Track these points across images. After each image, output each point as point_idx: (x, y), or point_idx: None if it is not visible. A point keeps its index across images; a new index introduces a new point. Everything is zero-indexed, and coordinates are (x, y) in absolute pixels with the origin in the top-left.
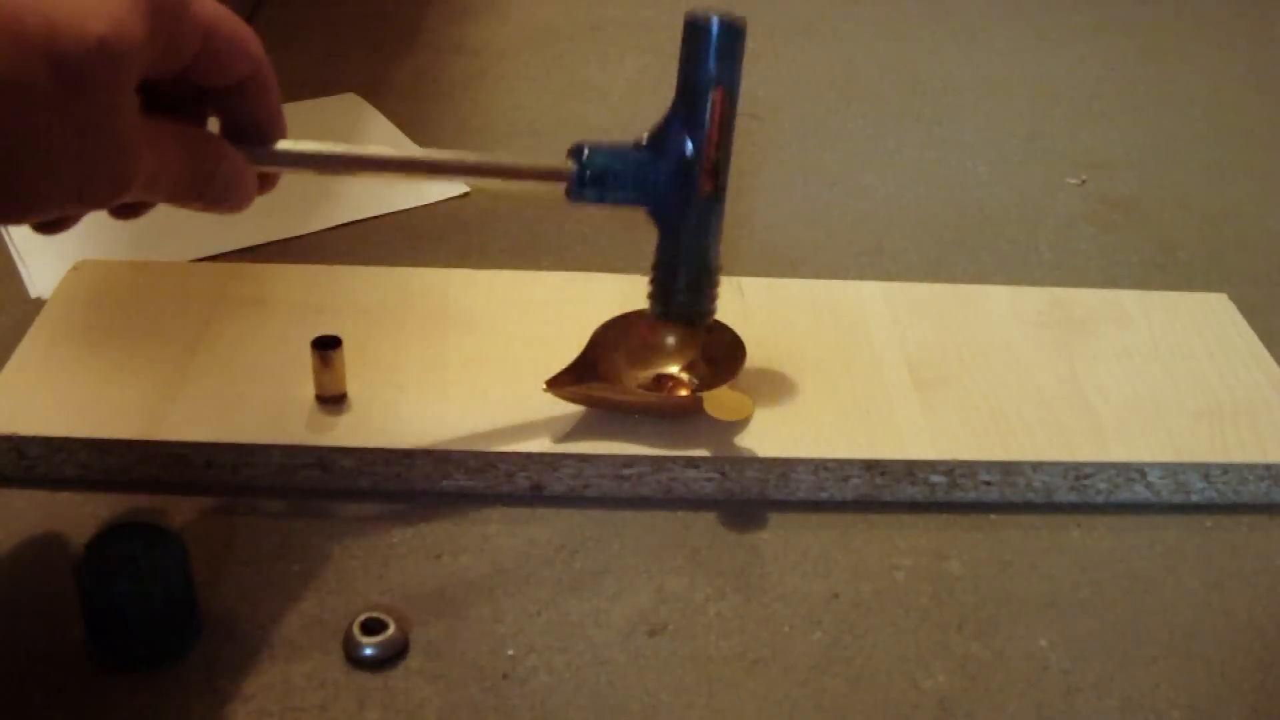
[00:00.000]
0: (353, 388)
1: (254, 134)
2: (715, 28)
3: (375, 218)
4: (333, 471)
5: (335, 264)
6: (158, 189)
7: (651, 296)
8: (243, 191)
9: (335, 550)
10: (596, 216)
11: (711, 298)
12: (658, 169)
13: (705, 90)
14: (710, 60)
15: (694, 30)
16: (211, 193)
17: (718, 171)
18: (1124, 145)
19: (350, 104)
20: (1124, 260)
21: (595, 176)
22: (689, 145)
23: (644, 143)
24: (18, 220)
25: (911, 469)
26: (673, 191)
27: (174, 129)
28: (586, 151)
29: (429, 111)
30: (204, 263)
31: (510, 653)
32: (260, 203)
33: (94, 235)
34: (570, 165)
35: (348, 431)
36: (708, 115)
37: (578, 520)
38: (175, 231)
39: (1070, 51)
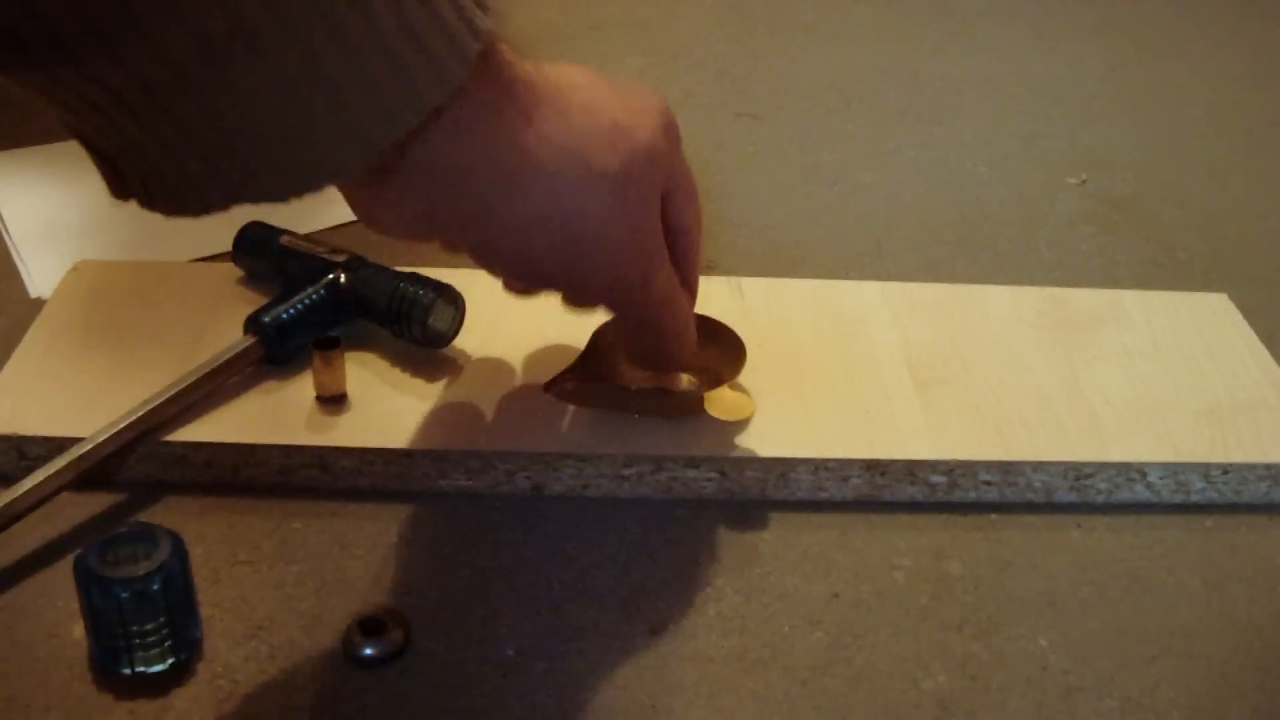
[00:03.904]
0: (353, 388)
1: None
2: None
3: None
4: (333, 471)
5: None
6: (645, 312)
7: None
8: (678, 348)
9: (335, 550)
10: None
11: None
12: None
13: None
14: None
15: None
16: (667, 342)
17: None
18: (1124, 145)
19: None
20: (1124, 260)
21: (283, 336)
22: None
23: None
24: (529, 277)
25: (911, 469)
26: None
27: (674, 275)
28: (266, 320)
29: None
30: (204, 263)
31: (510, 653)
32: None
33: (94, 235)
34: (253, 340)
35: (348, 431)
36: None
37: (578, 520)
38: (175, 231)
39: (1070, 51)
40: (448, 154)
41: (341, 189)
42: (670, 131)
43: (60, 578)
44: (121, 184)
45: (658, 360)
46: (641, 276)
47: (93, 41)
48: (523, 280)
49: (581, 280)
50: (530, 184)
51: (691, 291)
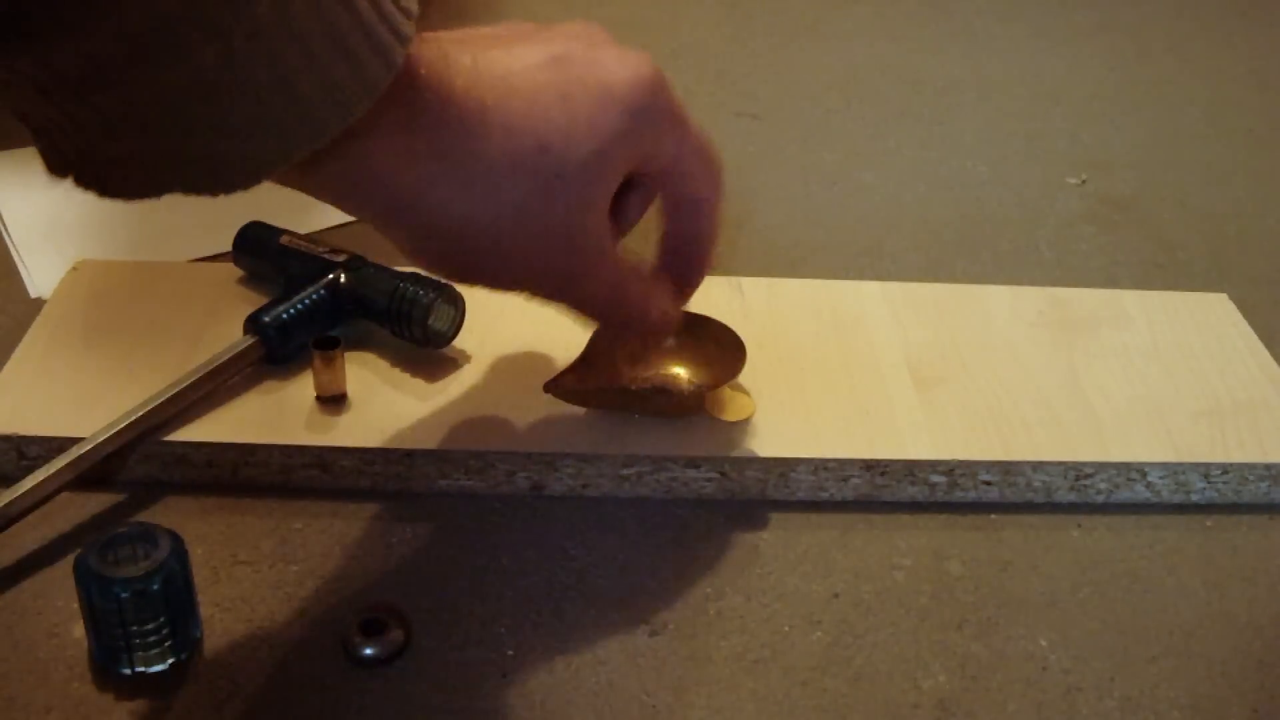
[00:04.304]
0: (353, 388)
1: (680, 250)
2: None
3: None
4: (333, 471)
5: None
6: (594, 310)
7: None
8: (660, 329)
9: (335, 550)
10: None
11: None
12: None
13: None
14: None
15: None
16: (627, 325)
17: None
18: (1124, 145)
19: None
20: (1124, 260)
21: (283, 336)
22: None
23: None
24: (466, 284)
25: (911, 469)
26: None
27: (621, 260)
28: (267, 320)
29: None
30: (204, 263)
31: (510, 653)
32: (259, 203)
33: (94, 235)
34: (253, 339)
35: (348, 431)
36: None
37: (578, 520)
38: (175, 231)
39: (1070, 51)
40: (356, 166)
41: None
42: (643, 117)
43: (60, 578)
44: (57, 161)
45: (631, 331)
46: (567, 279)
47: (23, 31)
48: (441, 277)
49: (497, 287)
50: (430, 207)
51: (699, 269)
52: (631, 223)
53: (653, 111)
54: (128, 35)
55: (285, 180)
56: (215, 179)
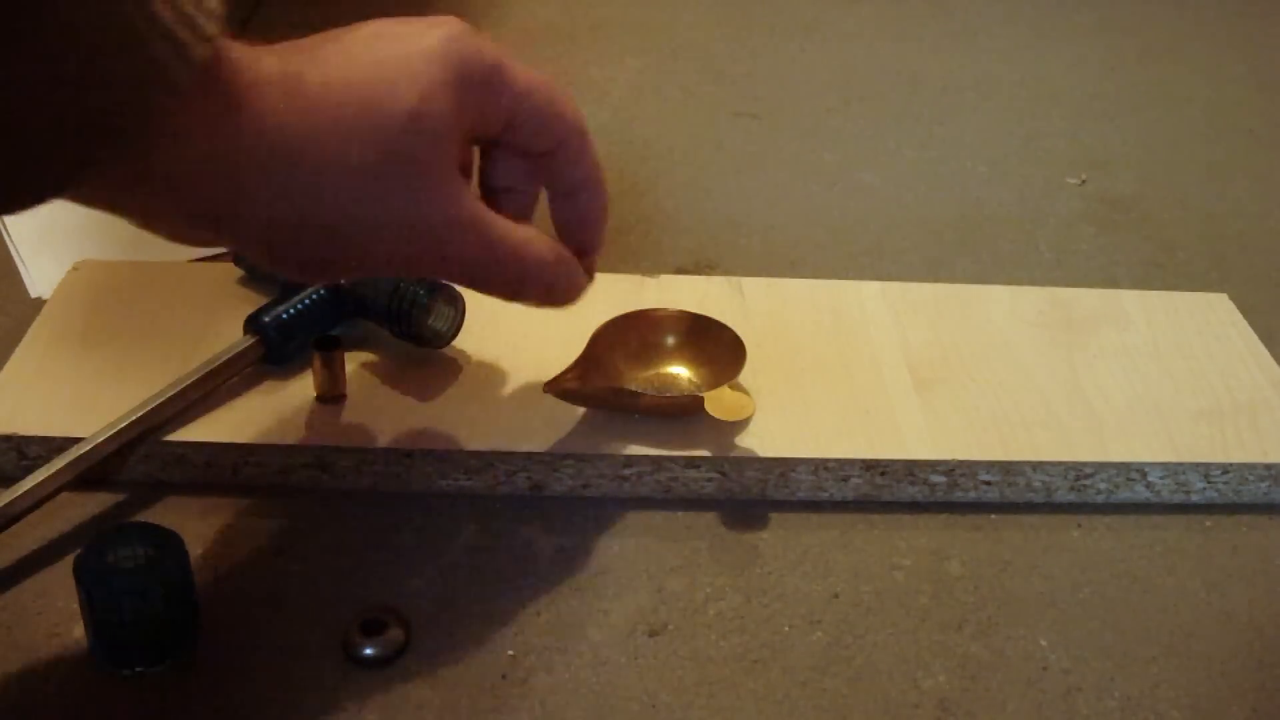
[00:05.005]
0: (353, 388)
1: (571, 196)
2: None
3: None
4: (333, 471)
5: None
6: (475, 277)
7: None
8: (566, 293)
9: (335, 550)
10: None
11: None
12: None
13: None
14: None
15: None
16: (521, 291)
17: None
18: (1124, 145)
19: None
20: (1124, 260)
21: (284, 337)
22: None
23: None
24: (324, 278)
25: (911, 469)
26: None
27: (492, 220)
28: (267, 320)
29: None
30: (204, 263)
31: (510, 653)
32: None
33: (94, 235)
34: (253, 339)
35: (348, 431)
36: None
37: (578, 520)
38: None
39: (1070, 51)
40: (179, 165)
41: (102, 202)
42: (462, 68)
43: (60, 578)
44: None
45: (534, 299)
46: (430, 250)
47: None
48: (302, 279)
49: (362, 269)
50: (266, 190)
51: (593, 224)
52: (506, 190)
53: (471, 63)
54: None
55: (98, 200)
56: (12, 194)
